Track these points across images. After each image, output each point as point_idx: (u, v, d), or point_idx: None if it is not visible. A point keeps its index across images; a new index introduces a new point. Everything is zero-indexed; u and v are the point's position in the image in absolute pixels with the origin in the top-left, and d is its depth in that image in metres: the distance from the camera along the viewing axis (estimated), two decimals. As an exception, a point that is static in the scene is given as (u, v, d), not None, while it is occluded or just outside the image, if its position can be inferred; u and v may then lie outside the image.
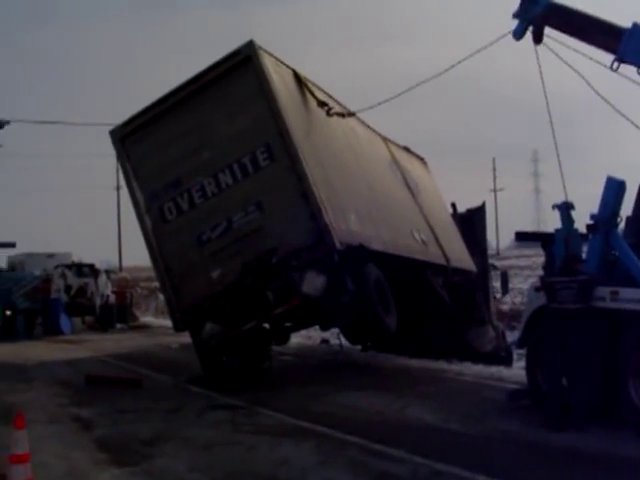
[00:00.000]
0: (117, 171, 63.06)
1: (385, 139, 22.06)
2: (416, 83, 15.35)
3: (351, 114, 17.45)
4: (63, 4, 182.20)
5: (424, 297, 19.28)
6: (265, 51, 14.70)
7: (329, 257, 13.98)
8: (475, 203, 26.09)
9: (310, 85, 16.26)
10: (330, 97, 17.16)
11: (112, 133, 15.71)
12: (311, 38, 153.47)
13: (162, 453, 9.70)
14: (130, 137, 15.50)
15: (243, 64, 14.49)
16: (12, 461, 7.07)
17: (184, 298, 14.77)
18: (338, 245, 13.79)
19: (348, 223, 15.00)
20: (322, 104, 16.11)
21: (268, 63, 14.57)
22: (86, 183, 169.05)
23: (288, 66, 15.88)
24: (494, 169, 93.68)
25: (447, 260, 21.40)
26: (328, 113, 16.18)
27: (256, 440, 10.25)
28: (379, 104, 16.34)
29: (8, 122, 26.54)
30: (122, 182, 59.27)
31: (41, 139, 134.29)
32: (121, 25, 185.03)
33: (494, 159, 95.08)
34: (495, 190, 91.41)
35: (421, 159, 26.71)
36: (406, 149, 24.78)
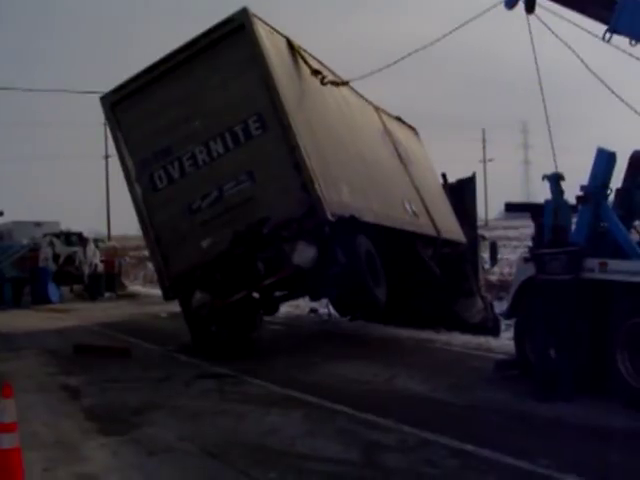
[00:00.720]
0: (106, 140, 62.86)
1: (377, 108, 22.04)
2: (408, 53, 15.23)
3: (345, 83, 17.46)
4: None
5: (413, 268, 19.33)
6: (259, 19, 14.70)
7: (320, 228, 14.02)
8: (464, 174, 26.04)
9: (304, 53, 16.26)
10: (324, 66, 17.19)
11: (103, 99, 15.73)
12: (296, 6, 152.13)
13: (150, 422, 9.76)
14: (121, 104, 15.50)
15: (236, 31, 14.46)
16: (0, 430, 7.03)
17: (174, 267, 14.85)
18: (329, 217, 13.82)
19: (340, 194, 15.04)
20: (316, 72, 16.16)
21: (262, 31, 14.57)
22: (74, 152, 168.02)
23: (282, 34, 15.90)
24: (484, 140, 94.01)
25: (437, 231, 21.48)
26: (322, 82, 16.24)
27: (244, 409, 10.35)
28: (372, 73, 16.43)
29: (-3, 89, 26.23)
30: (111, 151, 58.40)
31: (31, 106, 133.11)
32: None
33: (483, 130, 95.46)
34: (484, 161, 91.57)
35: (412, 129, 26.71)
36: (398, 119, 24.76)
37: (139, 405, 10.67)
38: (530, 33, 12.51)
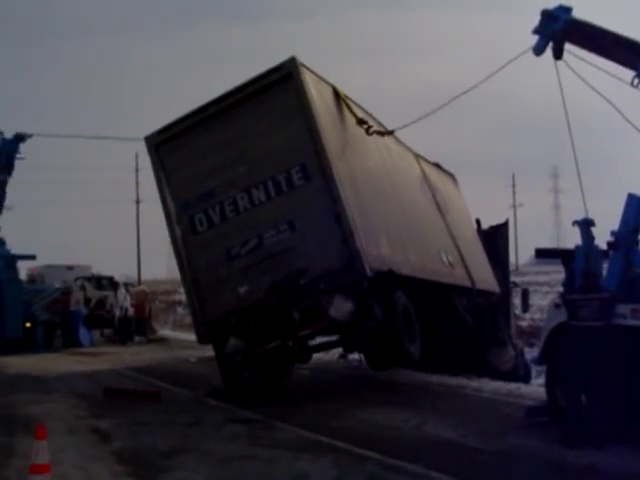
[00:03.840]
0: (137, 185, 63.59)
1: (417, 156, 22.21)
2: (448, 100, 15.55)
3: (390, 132, 17.56)
4: (83, 20, 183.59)
5: (446, 318, 19.36)
6: (306, 67, 14.99)
7: (358, 283, 14.23)
8: (495, 219, 26.03)
9: (349, 102, 16.49)
10: (368, 114, 17.48)
11: (147, 139, 15.97)
12: (330, 54, 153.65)
13: (180, 466, 9.99)
14: (166, 145, 15.76)
15: (284, 80, 14.75)
16: (33, 471, 7.21)
17: (210, 311, 15.06)
18: (368, 272, 14.06)
19: (379, 248, 15.30)
20: (361, 122, 16.34)
21: (309, 80, 14.85)
22: (106, 196, 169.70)
23: (328, 82, 16.17)
24: (513, 185, 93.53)
25: (472, 282, 21.69)
26: (367, 132, 16.39)
27: (274, 454, 10.53)
28: (413, 122, 16.37)
29: (31, 135, 26.78)
30: (142, 196, 58.83)
31: (63, 153, 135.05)
32: (138, 41, 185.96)
33: (513, 175, 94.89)
34: (515, 206, 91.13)
35: (451, 175, 26.87)
36: (437, 165, 24.89)
37: (169, 449, 10.89)
38: (558, 79, 12.63)
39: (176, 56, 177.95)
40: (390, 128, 17.68)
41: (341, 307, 13.81)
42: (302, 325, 14.42)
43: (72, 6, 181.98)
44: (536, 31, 12.95)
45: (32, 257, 31.32)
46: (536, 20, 12.91)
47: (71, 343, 29.36)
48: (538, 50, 12.91)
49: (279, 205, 14.59)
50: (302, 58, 14.72)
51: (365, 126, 16.39)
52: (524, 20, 13.73)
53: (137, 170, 67.66)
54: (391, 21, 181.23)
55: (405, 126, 16.98)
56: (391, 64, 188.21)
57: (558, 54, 12.77)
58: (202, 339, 15.53)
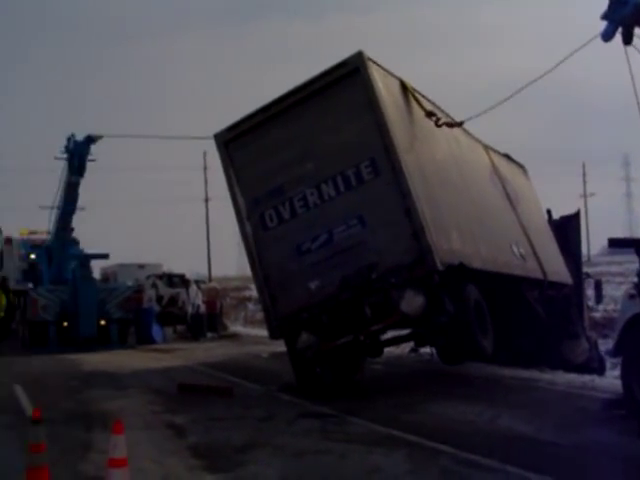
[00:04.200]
0: (206, 183, 64.16)
1: (486, 147, 22.02)
2: (516, 90, 15.38)
3: (459, 124, 17.46)
4: (146, 22, 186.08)
5: (518, 311, 19.12)
6: (373, 62, 15.00)
7: (429, 277, 14.19)
8: (565, 209, 25.68)
9: (417, 95, 16.50)
10: (436, 106, 17.44)
11: (217, 137, 16.13)
12: (395, 47, 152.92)
13: (254, 460, 10.03)
14: (234, 142, 15.88)
15: (351, 75, 14.74)
16: (111, 465, 7.31)
17: (281, 307, 15.17)
18: (439, 266, 14.02)
19: (450, 241, 15.23)
20: (430, 114, 16.33)
21: (376, 74, 14.84)
22: (175, 195, 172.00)
23: (395, 76, 16.18)
24: (584, 174, 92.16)
25: (544, 274, 21.48)
26: (436, 124, 16.38)
27: (347, 448, 10.54)
28: (484, 112, 16.37)
29: (101, 137, 27.18)
30: (210, 194, 59.42)
31: (133, 153, 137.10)
32: (203, 40, 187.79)
33: (584, 164, 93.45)
34: (585, 195, 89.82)
35: (521, 166, 26.58)
36: (506, 156, 24.65)
37: (243, 443, 10.96)
38: (629, 64, 12.38)
39: (239, 54, 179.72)
40: (458, 119, 17.58)
41: (412, 301, 13.78)
42: (374, 320, 14.42)
43: (135, 8, 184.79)
44: (605, 17, 12.69)
45: (105, 256, 31.85)
46: (604, 5, 12.69)
47: (144, 340, 29.80)
48: (607, 36, 12.65)
49: (349, 200, 14.61)
50: (366, 52, 14.71)
51: (434, 118, 16.34)
52: (592, 5, 13.49)
53: (205, 168, 68.39)
54: (455, 10, 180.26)
55: (474, 117, 16.87)
56: (457, 55, 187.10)
57: (628, 39, 12.49)
58: (274, 334, 15.64)
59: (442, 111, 17.60)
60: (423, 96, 16.84)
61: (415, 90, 16.47)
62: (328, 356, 14.90)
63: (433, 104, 17.32)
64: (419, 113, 16.23)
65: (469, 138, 20.30)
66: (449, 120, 17.34)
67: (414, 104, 16.25)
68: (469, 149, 20.10)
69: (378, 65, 15.18)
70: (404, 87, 16.25)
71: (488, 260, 17.06)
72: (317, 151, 15.02)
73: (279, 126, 15.39)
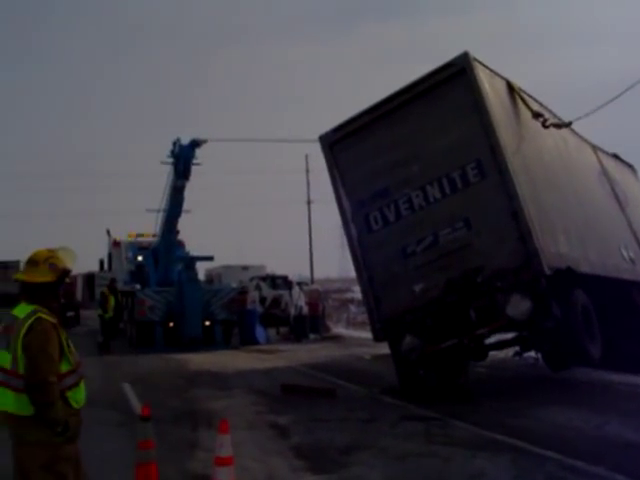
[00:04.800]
0: (308, 186, 64.55)
1: (594, 147, 21.62)
2: (625, 88, 15.13)
3: (567, 124, 17.23)
4: (245, 29, 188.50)
5: (627, 315, 18.71)
6: (479, 62, 14.90)
7: (536, 281, 14.04)
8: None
9: (524, 95, 16.35)
10: (543, 106, 17.26)
11: (322, 139, 16.21)
12: (497, 48, 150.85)
13: (357, 462, 10.13)
14: (340, 143, 15.97)
15: (457, 76, 14.68)
16: (217, 463, 7.45)
17: (385, 309, 15.21)
18: (546, 270, 13.84)
19: (557, 245, 15.06)
20: (537, 115, 16.11)
21: (482, 75, 14.76)
22: (278, 198, 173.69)
23: (502, 76, 16.06)
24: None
25: (655, 278, 20.58)
26: (544, 125, 16.16)
27: (450, 452, 10.50)
28: (593, 111, 15.97)
29: (206, 141, 27.57)
30: (313, 196, 59.68)
31: (234, 157, 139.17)
32: (303, 45, 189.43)
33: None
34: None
35: (630, 166, 25.92)
36: (615, 156, 24.15)
37: (346, 445, 11.05)
38: None
39: (338, 57, 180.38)
40: (565, 119, 17.27)
41: (519, 306, 13.62)
42: (479, 323, 14.29)
43: (231, 13, 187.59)
44: None
45: (210, 258, 32.34)
46: None
47: (248, 341, 30.10)
48: None
49: (454, 202, 14.52)
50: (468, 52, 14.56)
51: (541, 119, 16.12)
52: None
53: (307, 171, 68.76)
54: (555, 8, 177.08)
55: (583, 117, 16.58)
56: (562, 54, 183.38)
57: None
58: (378, 337, 15.64)
59: (550, 111, 17.35)
60: (530, 96, 16.64)
61: (522, 90, 16.30)
62: (432, 359, 14.82)
63: (540, 104, 17.09)
64: (526, 114, 16.04)
65: (577, 138, 19.95)
66: (557, 121, 17.06)
67: (521, 105, 16.08)
68: (577, 150, 19.79)
69: (484, 66, 15.07)
70: (510, 88, 16.09)
71: (596, 264, 16.73)
72: (422, 153, 14.94)
73: (384, 128, 15.36)
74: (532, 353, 19.90)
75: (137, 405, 14.01)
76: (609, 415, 12.75)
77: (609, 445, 10.75)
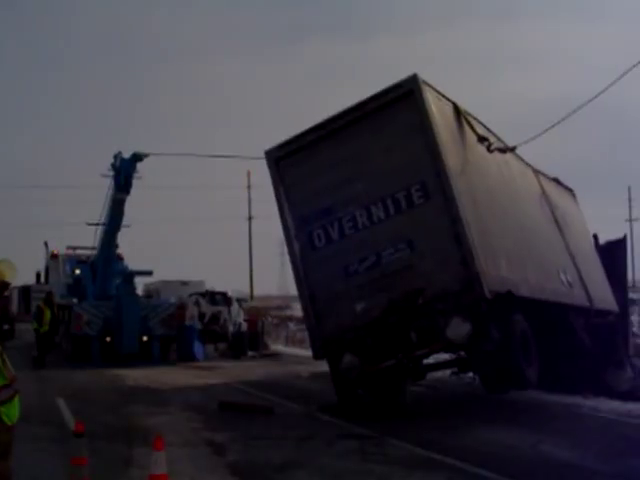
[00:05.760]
0: (249, 202, 64.41)
1: (536, 171, 21.87)
2: (567, 113, 15.30)
3: (512, 149, 17.42)
4: (195, 43, 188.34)
5: (564, 338, 18.95)
6: (428, 85, 15.00)
7: (476, 305, 14.16)
8: (611, 234, 25.41)
9: (470, 119, 16.43)
10: (489, 130, 17.35)
11: (268, 154, 16.17)
12: (446, 69, 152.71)
13: None
14: (285, 160, 15.93)
15: (405, 97, 14.73)
16: (151, 481, 7.33)
17: (326, 327, 15.22)
18: (487, 294, 13.95)
19: (498, 269, 15.15)
20: (482, 139, 16.26)
21: (430, 98, 14.83)
22: (219, 214, 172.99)
23: (449, 99, 16.12)
24: (629, 199, 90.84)
25: (590, 301, 21.35)
26: (489, 149, 16.31)
27: (387, 470, 10.55)
28: (537, 136, 16.19)
29: (147, 155, 27.39)
30: (254, 212, 59.51)
31: (175, 172, 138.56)
32: (248, 60, 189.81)
33: (629, 188, 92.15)
34: (631, 220, 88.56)
35: (570, 190, 26.32)
36: (556, 180, 24.48)
37: (282, 463, 11.01)
38: None
39: (284, 74, 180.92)
40: (508, 143, 17.50)
41: (458, 328, 13.73)
42: (419, 344, 14.36)
43: (182, 30, 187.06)
44: None
45: (149, 273, 32.10)
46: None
47: (186, 357, 29.89)
48: None
49: (398, 223, 14.58)
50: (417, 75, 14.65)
51: (486, 143, 16.31)
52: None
53: (249, 187, 68.60)
54: (497, 34, 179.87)
55: (529, 141, 16.82)
56: (503, 78, 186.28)
57: None
58: (318, 354, 15.65)
59: (494, 135, 17.51)
60: (476, 119, 16.79)
61: (468, 114, 16.43)
62: (371, 378, 14.88)
63: (485, 128, 17.24)
64: (472, 137, 16.19)
65: (520, 163, 20.18)
66: (501, 145, 17.24)
67: (467, 128, 16.20)
68: (519, 174, 20.01)
69: (432, 88, 15.17)
70: (457, 111, 16.19)
71: (536, 288, 16.92)
72: (368, 172, 14.96)
73: (330, 146, 15.37)
74: (470, 373, 20.13)
75: (71, 421, 13.77)
76: (543, 434, 12.99)
77: (542, 464, 10.94)
